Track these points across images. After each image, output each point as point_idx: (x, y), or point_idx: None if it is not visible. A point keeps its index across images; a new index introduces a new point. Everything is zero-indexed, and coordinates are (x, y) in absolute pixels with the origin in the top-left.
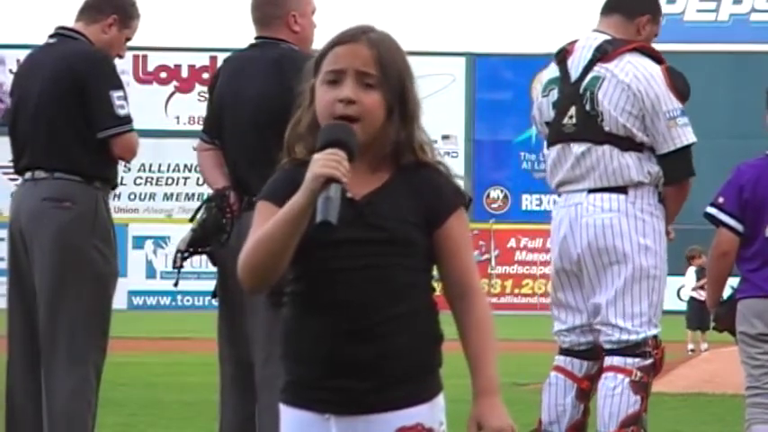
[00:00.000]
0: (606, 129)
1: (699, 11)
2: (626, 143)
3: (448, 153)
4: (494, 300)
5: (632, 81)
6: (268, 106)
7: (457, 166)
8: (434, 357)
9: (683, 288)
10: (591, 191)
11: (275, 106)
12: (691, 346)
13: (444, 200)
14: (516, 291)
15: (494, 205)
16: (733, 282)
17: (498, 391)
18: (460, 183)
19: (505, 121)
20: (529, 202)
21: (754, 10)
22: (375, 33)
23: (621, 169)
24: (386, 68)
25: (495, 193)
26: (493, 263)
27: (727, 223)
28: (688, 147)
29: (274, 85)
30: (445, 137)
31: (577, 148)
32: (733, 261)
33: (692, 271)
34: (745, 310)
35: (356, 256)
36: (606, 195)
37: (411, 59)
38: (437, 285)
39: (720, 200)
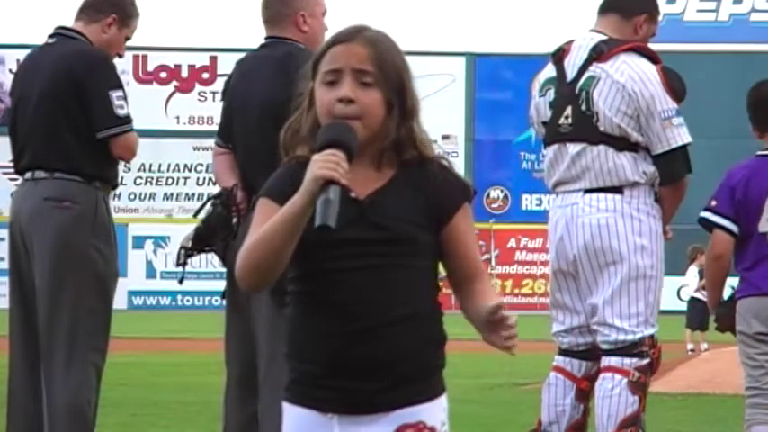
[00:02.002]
0: (601, 129)
1: (699, 11)
2: (621, 143)
3: (448, 153)
4: None
5: (627, 81)
6: (274, 107)
7: (457, 166)
8: (438, 358)
9: (683, 288)
10: (587, 191)
11: (281, 107)
12: (690, 346)
13: (450, 196)
14: (516, 291)
15: (494, 205)
16: (734, 281)
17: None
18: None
19: (505, 121)
20: (529, 202)
21: (754, 10)
22: (370, 32)
23: (617, 169)
24: (383, 65)
25: (495, 193)
26: (493, 263)
27: (722, 225)
28: (683, 147)
29: (278, 87)
30: (445, 137)
31: (573, 148)
32: (728, 263)
33: (694, 270)
34: (742, 310)
35: (360, 256)
36: (602, 195)
37: (411, 59)
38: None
39: (713, 203)
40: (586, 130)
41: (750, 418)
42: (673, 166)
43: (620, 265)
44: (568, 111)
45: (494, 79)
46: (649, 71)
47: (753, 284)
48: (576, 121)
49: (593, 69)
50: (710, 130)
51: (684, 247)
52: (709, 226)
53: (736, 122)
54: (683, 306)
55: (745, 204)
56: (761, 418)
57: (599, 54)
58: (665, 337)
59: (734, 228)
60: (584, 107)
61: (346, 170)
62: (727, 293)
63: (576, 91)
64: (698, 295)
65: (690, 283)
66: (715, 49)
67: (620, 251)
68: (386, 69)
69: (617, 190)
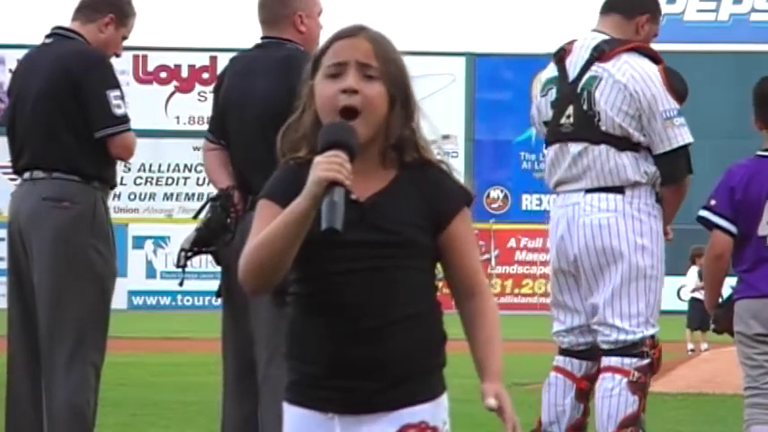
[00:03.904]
0: (603, 128)
1: (699, 11)
2: (623, 143)
3: (448, 153)
4: None
5: (629, 81)
6: (275, 107)
7: (457, 166)
8: (439, 357)
9: (683, 288)
10: (588, 191)
11: (282, 107)
12: (690, 346)
13: (450, 201)
14: (516, 291)
15: (494, 205)
16: (733, 282)
17: (501, 378)
18: (462, 179)
19: (505, 121)
20: (529, 202)
21: (754, 10)
22: (372, 31)
23: (618, 169)
24: (387, 61)
25: (495, 193)
26: (493, 263)
27: (721, 225)
28: (685, 147)
29: (281, 86)
30: (445, 137)
31: (574, 147)
32: (727, 263)
33: (694, 271)
34: (740, 311)
35: (361, 258)
36: (603, 195)
37: (411, 59)
38: (440, 285)
39: (712, 202)
40: (588, 129)
41: (749, 417)
42: (674, 166)
43: (620, 265)
44: (570, 110)
45: (494, 79)
46: (651, 71)
47: (752, 286)
48: (578, 121)
49: (595, 69)
50: (710, 130)
51: (685, 247)
52: (708, 225)
53: (736, 122)
54: (684, 306)
55: (745, 205)
56: (760, 417)
57: (600, 54)
58: (665, 337)
59: (732, 228)
60: (585, 107)
61: (350, 171)
62: (726, 293)
63: (578, 90)
64: (697, 295)
65: (689, 283)
66: (715, 49)
67: (621, 251)
68: (389, 65)
69: (618, 190)
